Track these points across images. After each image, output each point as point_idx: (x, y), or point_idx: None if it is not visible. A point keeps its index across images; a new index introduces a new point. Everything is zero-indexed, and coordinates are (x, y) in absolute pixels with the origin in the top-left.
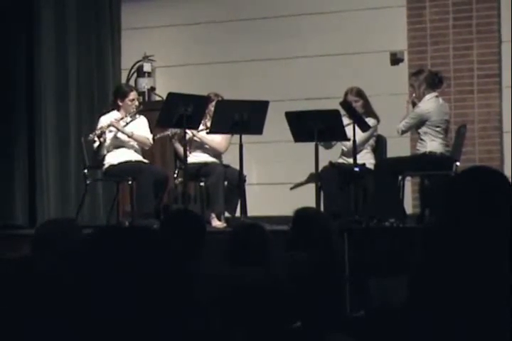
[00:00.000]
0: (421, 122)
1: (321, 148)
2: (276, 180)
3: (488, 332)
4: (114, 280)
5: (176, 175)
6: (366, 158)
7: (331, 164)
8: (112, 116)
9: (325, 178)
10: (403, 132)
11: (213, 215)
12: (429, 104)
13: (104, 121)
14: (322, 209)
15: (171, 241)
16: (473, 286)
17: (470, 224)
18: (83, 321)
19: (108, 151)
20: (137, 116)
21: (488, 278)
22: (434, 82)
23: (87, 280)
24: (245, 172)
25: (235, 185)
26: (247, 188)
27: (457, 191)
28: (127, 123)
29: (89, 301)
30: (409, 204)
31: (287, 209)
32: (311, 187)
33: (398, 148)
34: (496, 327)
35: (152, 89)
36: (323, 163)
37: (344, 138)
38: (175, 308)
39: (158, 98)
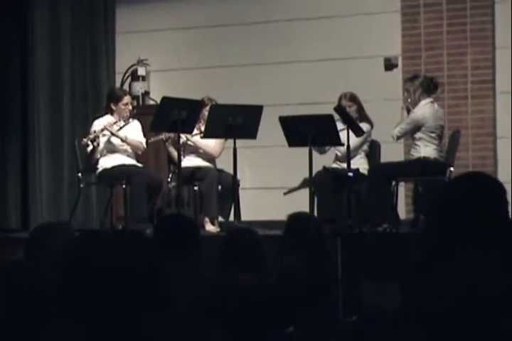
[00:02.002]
0: (416, 128)
1: (315, 153)
2: (270, 184)
3: (483, 337)
4: (99, 281)
5: (169, 179)
6: (360, 163)
7: (325, 169)
8: (106, 120)
9: (318, 183)
10: (398, 138)
11: (207, 219)
12: (425, 109)
13: (97, 125)
14: (315, 214)
15: (150, 244)
16: (467, 292)
17: (465, 229)
18: (74, 321)
19: (101, 155)
20: (131, 120)
21: (483, 283)
22: (430, 87)
23: (75, 282)
24: (239, 176)
25: (229, 189)
26: (241, 193)
27: (453, 197)
28: (121, 128)
29: (77, 302)
30: (403, 209)
31: (281, 214)
32: (305, 192)
33: (392, 153)
34: (492, 334)
35: (146, 93)
36: (317, 168)
37: (338, 143)
38: (155, 309)
39: (152, 102)
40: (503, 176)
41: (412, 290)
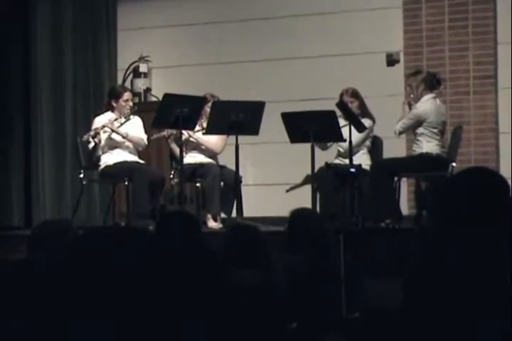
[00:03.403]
0: (418, 123)
1: (317, 149)
2: (272, 180)
3: (484, 334)
4: (102, 279)
5: (172, 176)
6: (362, 159)
7: (327, 165)
8: (107, 116)
9: (321, 179)
10: (400, 133)
11: (209, 216)
12: (427, 104)
13: (98, 121)
14: (318, 210)
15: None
16: (469, 289)
17: (467, 225)
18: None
19: (103, 152)
20: (132, 116)
21: (485, 281)
22: (432, 82)
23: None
24: (241, 173)
25: (231, 185)
26: (243, 189)
27: (455, 192)
28: (122, 124)
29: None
30: (405, 205)
31: (283, 210)
32: (307, 188)
33: (394, 149)
34: (492, 330)
35: (148, 89)
36: (319, 164)
37: (340, 139)
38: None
39: (154, 99)
40: (505, 171)
41: (414, 287)
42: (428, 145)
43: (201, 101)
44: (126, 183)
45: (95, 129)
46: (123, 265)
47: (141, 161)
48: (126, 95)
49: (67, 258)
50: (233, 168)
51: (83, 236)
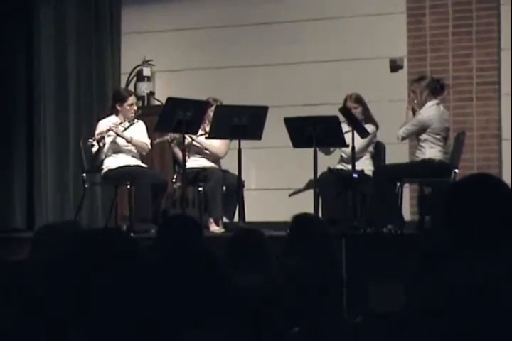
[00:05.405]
0: (422, 129)
1: (320, 154)
2: (275, 185)
3: (486, 338)
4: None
5: (174, 180)
6: (365, 165)
7: (330, 170)
8: (111, 120)
9: (323, 184)
10: (403, 138)
11: (211, 220)
12: (431, 111)
13: (102, 125)
14: (320, 215)
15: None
16: (472, 293)
17: (470, 231)
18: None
19: (106, 156)
20: (135, 121)
21: (488, 284)
22: (437, 88)
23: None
24: (244, 177)
25: (234, 190)
26: (246, 193)
27: (458, 198)
28: (126, 128)
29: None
30: (408, 210)
31: (285, 215)
32: (310, 193)
33: (397, 154)
34: (495, 333)
35: (151, 93)
36: (322, 169)
37: (343, 144)
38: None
39: (157, 103)
40: (507, 178)
41: (417, 291)
42: (431, 151)
43: (204, 105)
44: (128, 187)
45: (100, 133)
46: (122, 268)
47: (144, 165)
48: (131, 99)
49: (64, 260)
50: (236, 172)
51: (76, 237)
